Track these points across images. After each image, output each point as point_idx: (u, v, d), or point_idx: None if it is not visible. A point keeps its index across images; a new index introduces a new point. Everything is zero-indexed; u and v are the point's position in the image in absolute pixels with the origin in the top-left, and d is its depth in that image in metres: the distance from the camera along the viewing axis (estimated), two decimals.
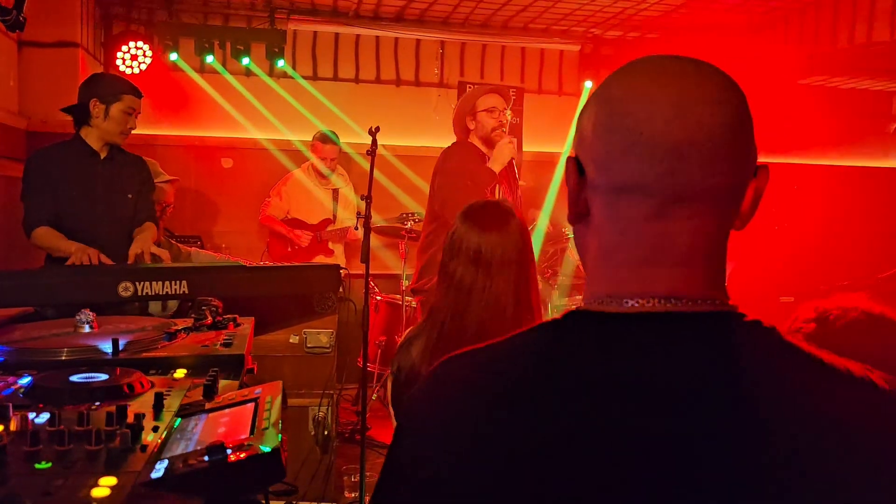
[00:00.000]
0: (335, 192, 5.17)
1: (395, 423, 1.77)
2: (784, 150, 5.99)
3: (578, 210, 0.77)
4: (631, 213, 0.72)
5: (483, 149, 3.44)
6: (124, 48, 5.10)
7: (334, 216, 5.12)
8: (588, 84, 6.01)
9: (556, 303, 4.78)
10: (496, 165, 3.32)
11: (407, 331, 1.90)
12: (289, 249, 5.04)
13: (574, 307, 0.77)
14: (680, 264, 0.72)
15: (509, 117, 3.52)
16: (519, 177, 3.63)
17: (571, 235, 4.91)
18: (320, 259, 5.04)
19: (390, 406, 1.86)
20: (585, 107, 0.78)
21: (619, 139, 0.71)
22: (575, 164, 0.77)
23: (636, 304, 0.72)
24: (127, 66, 5.09)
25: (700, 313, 0.72)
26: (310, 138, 5.21)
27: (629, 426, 0.65)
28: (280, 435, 1.15)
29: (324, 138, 5.01)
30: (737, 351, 0.70)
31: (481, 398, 0.71)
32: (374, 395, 4.43)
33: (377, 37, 5.82)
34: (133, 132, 3.19)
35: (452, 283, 1.70)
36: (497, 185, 3.37)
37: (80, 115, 3.03)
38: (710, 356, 0.69)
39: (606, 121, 0.73)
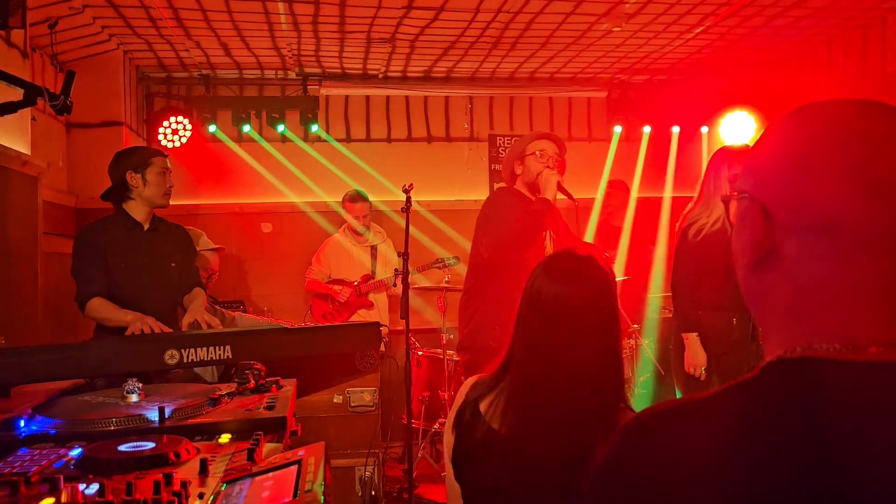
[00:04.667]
0: (373, 249, 5.24)
1: (449, 480, 1.72)
2: None
3: (762, 254, 0.75)
4: (838, 251, 0.70)
5: (528, 195, 3.24)
6: (165, 123, 5.32)
7: (373, 272, 5.18)
8: (618, 129, 6.04)
9: None
10: (549, 195, 3.13)
11: (473, 379, 1.78)
12: (330, 307, 5.10)
13: (790, 354, 0.72)
14: None
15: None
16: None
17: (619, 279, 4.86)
18: (362, 313, 5.09)
19: (448, 459, 1.75)
20: (759, 151, 0.78)
21: (819, 178, 0.70)
22: (760, 208, 0.75)
23: (883, 351, 0.67)
24: (169, 141, 5.30)
25: None
26: None
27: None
28: (323, 497, 1.15)
29: (353, 198, 5.11)
30: None
31: (725, 460, 0.66)
32: (421, 452, 4.39)
33: (407, 96, 5.97)
34: (176, 202, 3.29)
35: (532, 339, 1.58)
36: (548, 231, 3.20)
37: (119, 192, 3.14)
38: None
39: (800, 162, 0.72)
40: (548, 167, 3.18)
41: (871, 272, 0.69)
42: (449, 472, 1.71)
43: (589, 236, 5.29)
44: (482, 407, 1.63)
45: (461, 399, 1.71)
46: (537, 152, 3.22)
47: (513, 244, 3.02)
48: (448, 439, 1.71)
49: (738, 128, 5.67)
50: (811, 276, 0.71)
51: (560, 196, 3.19)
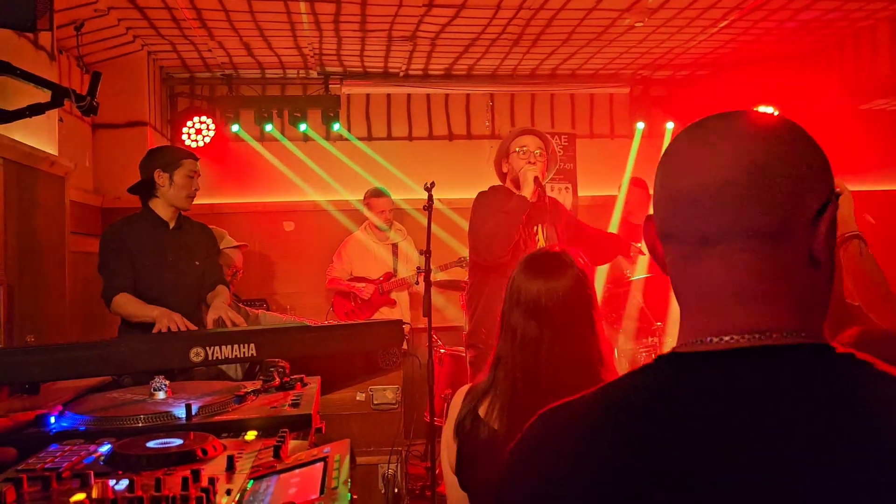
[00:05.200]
0: (394, 247, 5.24)
1: (450, 489, 1.72)
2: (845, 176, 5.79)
3: (658, 261, 0.84)
4: (675, 258, 0.79)
5: (515, 192, 3.16)
6: (189, 123, 5.37)
7: (395, 270, 5.19)
8: (640, 125, 5.99)
9: (623, 346, 4.68)
10: (526, 192, 3.07)
11: (465, 388, 1.80)
12: (352, 304, 5.12)
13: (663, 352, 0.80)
14: (748, 301, 0.73)
15: (549, 156, 3.22)
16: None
17: (634, 278, 4.84)
18: (384, 311, 5.11)
19: (448, 469, 1.76)
20: None
21: (660, 193, 0.80)
22: (651, 220, 0.84)
23: (718, 342, 0.74)
24: (192, 140, 5.35)
25: (785, 346, 0.72)
26: None
27: (722, 461, 0.66)
28: (349, 494, 1.15)
29: (375, 193, 5.13)
30: (826, 382, 0.69)
31: (589, 446, 0.74)
32: None
33: (428, 94, 5.97)
34: (199, 202, 3.32)
35: (516, 336, 1.63)
36: (540, 226, 3.16)
37: (147, 189, 3.17)
38: (798, 388, 0.69)
39: (657, 177, 0.81)
40: (529, 163, 3.15)
41: (702, 275, 0.76)
42: (450, 480, 1.71)
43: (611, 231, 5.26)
44: (481, 412, 1.65)
45: (457, 409, 1.72)
46: (517, 149, 3.20)
47: (492, 244, 3.01)
48: (449, 450, 1.70)
49: None
50: (675, 280, 0.80)
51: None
